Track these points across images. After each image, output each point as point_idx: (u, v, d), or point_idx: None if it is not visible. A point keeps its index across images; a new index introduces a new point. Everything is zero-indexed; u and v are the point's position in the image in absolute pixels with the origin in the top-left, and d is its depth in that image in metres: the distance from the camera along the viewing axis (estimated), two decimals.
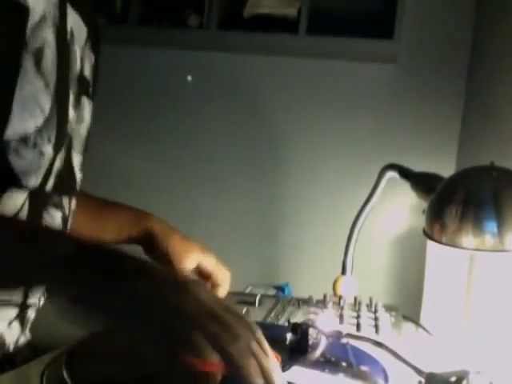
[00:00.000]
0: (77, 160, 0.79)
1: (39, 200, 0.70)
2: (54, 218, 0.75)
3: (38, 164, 0.67)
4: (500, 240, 0.68)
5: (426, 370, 0.60)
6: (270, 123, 1.93)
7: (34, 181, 0.68)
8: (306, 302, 0.93)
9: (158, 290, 0.48)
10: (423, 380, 0.59)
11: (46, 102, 0.66)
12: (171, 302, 0.47)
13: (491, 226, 0.68)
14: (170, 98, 1.97)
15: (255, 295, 0.92)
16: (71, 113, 0.73)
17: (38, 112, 0.65)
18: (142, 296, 0.47)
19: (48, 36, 0.66)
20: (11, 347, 0.72)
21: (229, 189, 1.94)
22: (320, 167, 1.88)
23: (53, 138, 0.68)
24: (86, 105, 0.81)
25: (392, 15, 1.68)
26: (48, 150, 0.68)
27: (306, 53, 1.84)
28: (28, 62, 0.63)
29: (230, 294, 0.95)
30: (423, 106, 1.81)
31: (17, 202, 0.67)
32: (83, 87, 0.78)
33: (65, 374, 0.51)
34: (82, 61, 0.77)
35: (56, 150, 0.70)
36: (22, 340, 0.75)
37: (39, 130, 0.66)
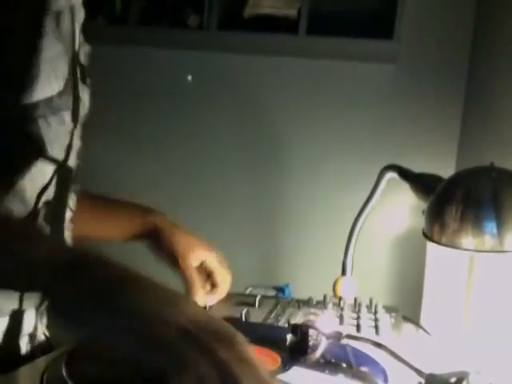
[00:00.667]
0: (76, 144, 0.78)
1: (64, 176, 0.72)
2: (73, 199, 0.76)
3: (61, 133, 0.69)
4: (499, 240, 0.68)
5: (426, 370, 0.60)
6: (270, 123, 1.93)
7: (58, 153, 0.69)
8: (306, 302, 0.93)
9: (146, 303, 0.47)
10: (423, 381, 0.59)
11: (65, 66, 0.68)
12: (157, 317, 0.46)
13: (491, 226, 0.68)
14: (170, 98, 1.97)
15: (255, 296, 0.92)
16: (81, 87, 0.75)
17: (60, 74, 0.67)
18: (128, 309, 0.46)
19: (63, 2, 0.68)
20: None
21: (229, 189, 1.94)
22: (320, 167, 1.88)
23: (70, 105, 0.70)
24: (85, 91, 0.80)
25: (392, 15, 1.68)
26: (67, 117, 0.70)
27: (306, 53, 1.84)
28: (50, 24, 0.65)
29: (230, 295, 0.95)
30: (423, 106, 1.81)
31: (45, 174, 0.68)
32: (81, 72, 0.78)
33: (65, 374, 0.51)
34: (80, 44, 0.78)
35: (74, 121, 0.71)
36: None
37: (60, 94, 0.67)
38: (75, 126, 0.73)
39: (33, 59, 0.63)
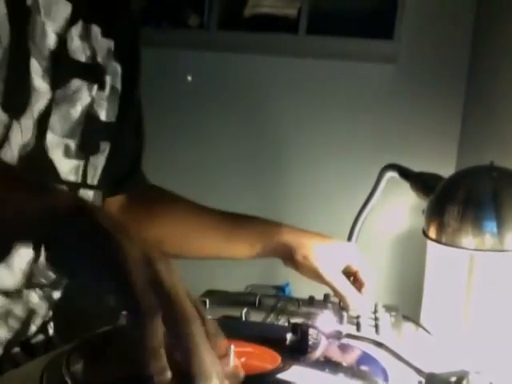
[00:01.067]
0: (54, 142, 0.73)
1: None
2: None
3: None
4: (500, 240, 0.68)
5: (426, 370, 0.60)
6: (269, 123, 1.93)
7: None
8: (306, 302, 0.92)
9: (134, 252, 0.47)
10: (423, 380, 0.59)
11: (6, 37, 0.64)
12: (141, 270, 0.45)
13: (491, 225, 0.68)
14: (170, 98, 1.97)
15: (255, 295, 0.92)
16: (38, 83, 0.69)
17: None
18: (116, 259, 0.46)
19: None
20: None
21: (228, 189, 1.94)
22: (320, 167, 1.88)
23: (0, 97, 0.65)
24: (84, 89, 0.76)
25: (392, 15, 1.69)
26: None
27: (306, 53, 1.84)
28: None
29: (230, 294, 0.95)
30: (423, 106, 1.81)
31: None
32: (72, 69, 0.74)
33: (65, 374, 0.51)
34: (66, 40, 0.73)
35: (11, 115, 0.66)
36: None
37: None
38: (13, 119, 0.67)
39: None
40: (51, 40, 0.71)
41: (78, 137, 0.76)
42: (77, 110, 0.76)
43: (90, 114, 0.77)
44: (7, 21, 0.65)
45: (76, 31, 0.74)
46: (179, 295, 0.45)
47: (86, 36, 0.76)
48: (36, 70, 0.69)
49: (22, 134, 0.68)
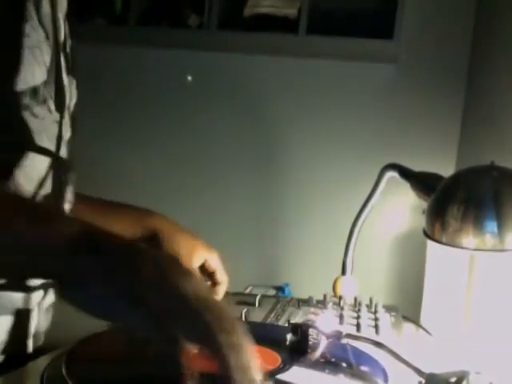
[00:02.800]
0: (66, 134, 0.76)
1: (59, 168, 0.70)
2: (70, 191, 0.75)
3: (48, 122, 0.67)
4: (500, 239, 0.68)
5: (426, 370, 0.60)
6: (269, 123, 1.93)
7: (49, 144, 0.67)
8: (306, 302, 0.92)
9: (158, 272, 0.47)
10: (423, 380, 0.59)
11: (47, 55, 0.66)
12: (169, 282, 0.46)
13: (491, 225, 0.68)
14: (169, 98, 1.97)
15: (255, 295, 0.92)
16: (65, 77, 0.72)
17: (43, 63, 0.65)
18: (143, 278, 0.46)
19: None
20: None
21: (229, 188, 1.94)
22: (320, 167, 1.88)
23: (53, 94, 0.68)
24: (71, 82, 0.78)
25: (392, 15, 1.68)
26: (52, 106, 0.67)
27: (306, 53, 1.84)
28: (31, 9, 0.62)
29: (230, 294, 0.95)
30: (423, 106, 1.81)
31: (39, 167, 0.66)
32: (67, 62, 0.76)
33: (65, 374, 0.51)
34: (65, 35, 0.76)
35: (59, 111, 0.69)
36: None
37: (45, 83, 0.65)
38: (62, 116, 0.71)
39: (14, 46, 0.60)
40: (62, 36, 0.73)
41: (73, 129, 0.78)
42: (72, 103, 0.78)
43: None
44: (51, 20, 0.66)
45: (66, 26, 0.76)
46: (219, 306, 0.45)
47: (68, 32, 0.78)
48: (63, 64, 0.71)
49: (67, 131, 0.72)
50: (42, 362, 0.57)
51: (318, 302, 0.93)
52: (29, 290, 0.71)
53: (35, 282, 0.71)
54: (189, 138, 1.96)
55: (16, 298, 0.70)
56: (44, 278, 0.50)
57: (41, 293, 0.72)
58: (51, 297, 0.76)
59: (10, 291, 0.68)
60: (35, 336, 0.75)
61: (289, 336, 0.64)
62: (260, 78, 1.93)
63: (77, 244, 0.48)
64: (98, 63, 1.99)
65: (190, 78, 1.97)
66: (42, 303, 0.74)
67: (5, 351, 0.69)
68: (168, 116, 1.98)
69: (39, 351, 0.75)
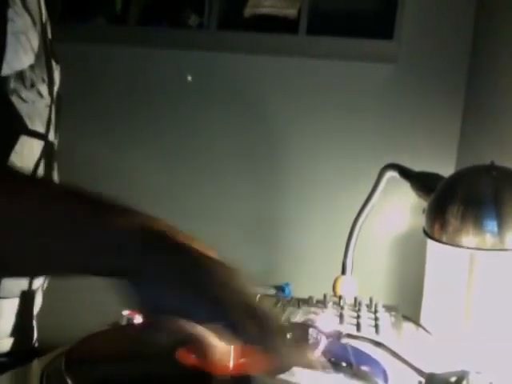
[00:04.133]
0: (53, 119, 0.76)
1: (48, 152, 0.70)
2: (56, 177, 0.75)
3: (40, 106, 0.67)
4: (500, 239, 0.68)
5: (426, 370, 0.60)
6: (269, 123, 1.93)
7: (40, 127, 0.68)
8: (306, 301, 0.92)
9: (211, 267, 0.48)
10: (423, 380, 0.59)
11: (35, 39, 0.66)
12: (221, 279, 0.48)
13: (491, 224, 0.68)
14: (169, 98, 1.97)
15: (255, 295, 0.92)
16: (53, 62, 0.73)
17: (29, 47, 0.65)
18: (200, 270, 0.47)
19: None
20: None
21: (229, 188, 1.94)
22: (320, 167, 1.88)
23: (46, 78, 0.68)
24: (55, 67, 0.78)
25: (392, 15, 1.68)
26: (44, 90, 0.68)
27: (306, 53, 1.84)
28: None
29: None
30: (423, 106, 1.81)
31: (33, 150, 0.67)
32: (50, 47, 0.77)
33: (65, 374, 0.50)
34: (46, 19, 0.76)
35: (50, 94, 0.70)
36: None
37: (32, 67, 0.65)
38: (52, 100, 0.72)
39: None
40: (44, 21, 0.73)
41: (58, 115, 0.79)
42: (55, 88, 0.79)
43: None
44: (37, 6, 0.67)
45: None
46: (261, 309, 0.48)
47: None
48: (49, 49, 0.72)
49: (54, 115, 0.73)
50: (42, 361, 0.57)
51: (318, 301, 0.92)
52: None
53: None
54: (189, 137, 1.96)
55: (22, 281, 0.70)
56: (95, 275, 0.48)
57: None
58: (42, 278, 0.77)
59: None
60: (37, 317, 0.76)
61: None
62: (260, 78, 1.93)
63: (149, 243, 0.47)
64: (98, 63, 1.99)
65: (190, 77, 1.97)
66: (43, 285, 0.75)
67: (13, 333, 0.70)
68: (168, 116, 1.98)
69: (39, 351, 0.75)
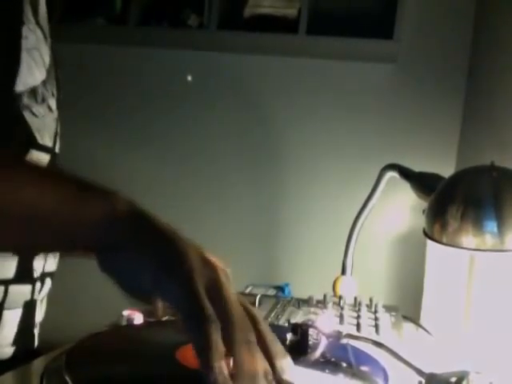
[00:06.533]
0: (59, 130, 0.77)
1: (54, 164, 0.71)
2: None
3: (49, 120, 0.67)
4: (500, 240, 0.68)
5: (426, 370, 0.60)
6: (269, 123, 1.93)
7: (49, 141, 0.68)
8: (306, 302, 0.92)
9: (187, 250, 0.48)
10: (423, 380, 0.59)
11: (46, 54, 0.67)
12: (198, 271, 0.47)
13: (491, 225, 0.68)
14: (170, 98, 1.97)
15: (255, 295, 0.92)
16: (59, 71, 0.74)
17: (42, 63, 0.65)
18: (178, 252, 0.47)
19: None
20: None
21: (228, 188, 1.94)
22: (320, 167, 1.88)
23: (55, 92, 0.69)
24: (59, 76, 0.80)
25: (392, 15, 1.68)
26: (53, 104, 0.69)
27: (306, 53, 1.84)
28: (28, 12, 0.63)
29: None
30: (423, 106, 1.81)
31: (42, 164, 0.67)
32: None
33: (65, 374, 0.50)
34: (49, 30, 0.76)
35: (58, 107, 0.70)
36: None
37: (44, 82, 0.66)
38: (59, 111, 0.72)
39: (14, 48, 0.61)
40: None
41: None
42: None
43: None
44: (46, 20, 0.67)
45: None
46: (234, 304, 0.46)
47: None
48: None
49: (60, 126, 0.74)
50: (42, 361, 0.57)
51: (318, 301, 0.93)
52: (33, 281, 0.72)
53: (37, 273, 0.72)
54: (189, 137, 1.96)
55: (25, 290, 0.71)
56: (77, 249, 0.51)
57: (39, 284, 0.73)
58: (46, 288, 0.77)
59: (20, 284, 0.69)
60: (38, 326, 0.76)
61: (289, 336, 0.64)
62: (260, 78, 1.93)
63: (135, 218, 0.50)
64: (98, 63, 1.99)
65: (190, 77, 1.97)
66: (40, 294, 0.75)
67: (15, 342, 0.70)
68: (168, 116, 1.98)
69: (39, 351, 0.75)
